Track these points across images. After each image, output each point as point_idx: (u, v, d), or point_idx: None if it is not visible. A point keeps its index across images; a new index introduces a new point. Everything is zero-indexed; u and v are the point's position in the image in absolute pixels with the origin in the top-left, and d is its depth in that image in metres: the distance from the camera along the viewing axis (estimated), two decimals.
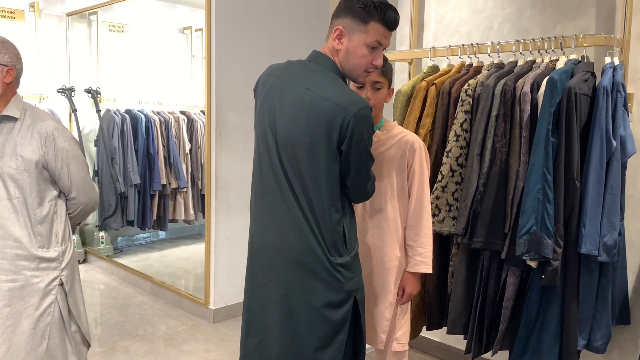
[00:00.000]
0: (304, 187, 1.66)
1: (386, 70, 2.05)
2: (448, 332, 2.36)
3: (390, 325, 2.02)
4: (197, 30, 5.87)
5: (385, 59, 2.02)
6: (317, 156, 1.64)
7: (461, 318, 2.31)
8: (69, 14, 5.11)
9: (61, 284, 2.05)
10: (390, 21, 1.68)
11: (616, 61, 2.12)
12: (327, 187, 1.65)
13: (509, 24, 2.73)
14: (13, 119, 1.98)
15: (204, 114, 5.61)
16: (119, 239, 5.56)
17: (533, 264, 2.07)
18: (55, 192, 2.04)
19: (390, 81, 2.07)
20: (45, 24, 5.06)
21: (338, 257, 1.69)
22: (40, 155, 1.96)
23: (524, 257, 2.04)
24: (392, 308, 2.01)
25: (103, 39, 5.27)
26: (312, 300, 1.69)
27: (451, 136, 2.30)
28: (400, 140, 1.99)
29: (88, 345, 2.20)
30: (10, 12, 4.81)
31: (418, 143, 2.01)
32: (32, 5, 4.92)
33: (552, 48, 2.24)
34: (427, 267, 1.99)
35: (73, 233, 2.20)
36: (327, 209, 1.66)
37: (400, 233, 2.00)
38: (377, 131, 2.01)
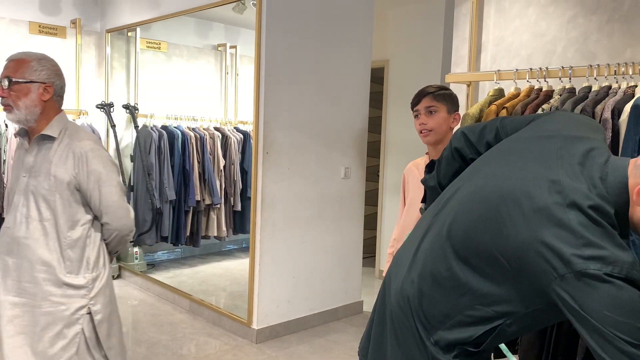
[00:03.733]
0: None
1: (440, 95, 2.12)
2: None
3: None
4: (231, 47, 5.92)
5: (441, 87, 2.13)
6: None
7: (534, 348, 2.25)
8: (108, 31, 5.15)
9: (89, 313, 1.94)
10: None
11: None
12: None
13: (573, 47, 2.70)
14: (52, 139, 1.92)
15: (237, 131, 5.66)
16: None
17: None
18: (89, 216, 1.97)
19: (448, 106, 2.12)
20: (86, 40, 5.11)
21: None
22: (72, 176, 1.89)
23: None
24: None
25: (141, 55, 5.30)
26: None
27: None
28: None
29: None
30: (53, 29, 4.86)
31: None
32: (73, 22, 4.97)
33: (630, 74, 2.21)
34: None
35: (111, 261, 2.10)
36: None
37: None
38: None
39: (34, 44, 4.74)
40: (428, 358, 1.25)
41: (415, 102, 2.15)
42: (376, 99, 5.51)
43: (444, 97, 2.14)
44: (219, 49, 5.90)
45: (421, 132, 2.15)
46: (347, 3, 4.02)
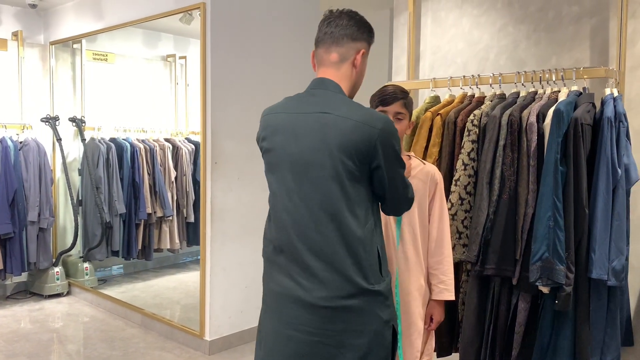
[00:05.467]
0: (332, 217, 1.61)
1: (407, 103, 2.11)
2: (461, 359, 2.38)
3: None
4: (180, 58, 5.88)
5: (407, 93, 2.11)
6: (343, 180, 1.60)
7: (473, 344, 2.33)
8: (52, 43, 5.05)
9: None
10: None
11: (615, 92, 2.22)
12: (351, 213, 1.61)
13: (505, 55, 2.82)
14: None
15: (188, 141, 5.62)
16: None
17: (545, 290, 2.12)
18: None
19: (411, 113, 2.13)
20: (29, 53, 4.99)
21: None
22: None
23: (537, 283, 2.09)
24: (421, 337, 2.03)
25: (87, 67, 5.22)
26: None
27: (459, 165, 2.36)
28: (421, 171, 2.04)
29: None
30: None
31: (438, 174, 2.06)
32: (15, 34, 4.85)
33: (554, 79, 2.33)
34: (450, 295, 2.03)
35: None
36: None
37: (423, 262, 2.03)
38: None
39: None
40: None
41: (386, 103, 2.08)
42: None
43: (410, 104, 2.13)
44: (169, 59, 5.86)
45: None
46: (293, 11, 4.08)
